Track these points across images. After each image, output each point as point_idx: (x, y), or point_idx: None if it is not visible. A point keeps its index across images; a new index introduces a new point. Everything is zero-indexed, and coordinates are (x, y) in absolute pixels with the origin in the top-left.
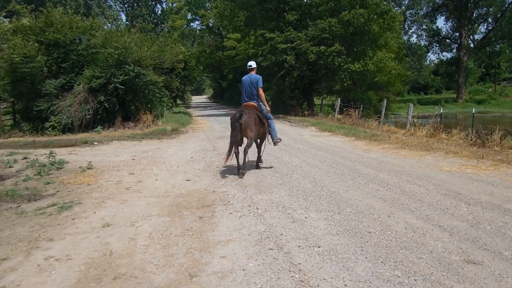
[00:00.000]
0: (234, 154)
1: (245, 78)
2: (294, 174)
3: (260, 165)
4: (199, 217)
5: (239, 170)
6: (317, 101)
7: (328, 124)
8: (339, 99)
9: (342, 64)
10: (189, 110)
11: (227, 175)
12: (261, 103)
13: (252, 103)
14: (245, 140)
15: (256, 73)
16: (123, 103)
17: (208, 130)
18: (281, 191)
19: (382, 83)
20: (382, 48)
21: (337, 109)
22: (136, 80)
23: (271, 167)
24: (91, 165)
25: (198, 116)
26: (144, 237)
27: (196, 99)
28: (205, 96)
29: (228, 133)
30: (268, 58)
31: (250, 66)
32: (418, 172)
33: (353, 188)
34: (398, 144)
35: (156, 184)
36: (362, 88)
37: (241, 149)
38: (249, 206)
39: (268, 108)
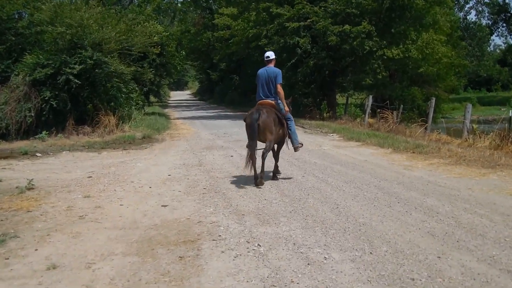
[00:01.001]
0: (251, 161)
1: (261, 71)
2: (310, 199)
3: (278, 177)
4: (179, 257)
5: (256, 179)
6: (340, 99)
7: (355, 131)
8: (370, 97)
9: (375, 49)
10: (166, 110)
11: (217, 199)
12: (279, 102)
13: (269, 100)
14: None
15: (274, 65)
16: (77, 101)
17: (192, 138)
18: (291, 221)
19: (429, 75)
20: (429, 29)
21: (368, 110)
22: (96, 70)
23: (279, 189)
24: (33, 184)
25: (178, 118)
26: (104, 283)
27: (176, 95)
28: (188, 92)
29: (220, 141)
30: (275, 41)
31: (268, 57)
32: (479, 197)
33: (390, 218)
34: (451, 159)
35: (120, 211)
36: (402, 83)
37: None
38: (248, 242)
39: (287, 108)
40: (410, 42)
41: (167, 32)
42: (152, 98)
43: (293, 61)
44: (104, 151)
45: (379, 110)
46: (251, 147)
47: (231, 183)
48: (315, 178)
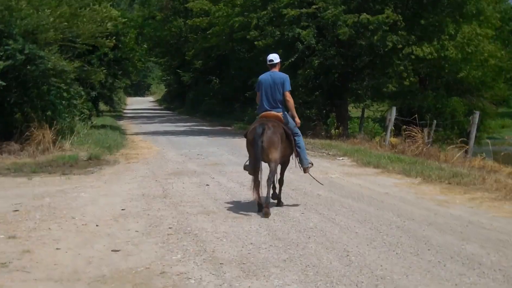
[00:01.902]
0: (253, 184)
1: (264, 77)
2: (311, 243)
3: (282, 204)
4: None
5: (260, 207)
6: (354, 111)
7: (373, 154)
8: (394, 109)
9: (400, 46)
10: (121, 122)
11: (187, 242)
12: (287, 113)
13: (274, 112)
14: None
15: (279, 70)
16: (1, 109)
17: (155, 159)
18: (285, 274)
19: (471, 82)
20: (471, 20)
21: (391, 126)
22: (28, 67)
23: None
24: None
25: (137, 134)
26: None
27: (134, 103)
28: (150, 99)
29: (192, 165)
30: (268, 33)
31: (272, 61)
32: None
33: (417, 270)
34: (500, 193)
35: (57, 257)
36: (435, 91)
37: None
38: None
39: (298, 121)
40: (447, 37)
41: (125, 18)
42: (102, 106)
43: (292, 60)
44: (36, 176)
45: (405, 126)
46: (255, 169)
47: (206, 221)
48: (318, 216)
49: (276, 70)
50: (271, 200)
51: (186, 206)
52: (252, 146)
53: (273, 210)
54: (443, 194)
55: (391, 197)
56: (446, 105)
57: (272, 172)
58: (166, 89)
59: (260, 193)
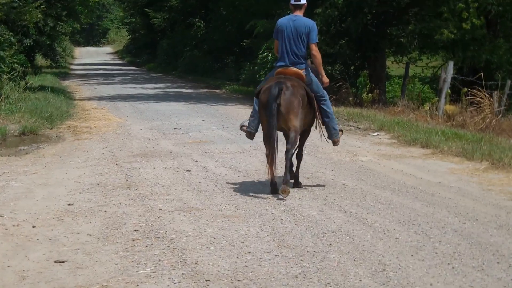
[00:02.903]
0: (267, 160)
1: (285, 22)
2: (333, 253)
3: (301, 185)
4: None
5: (274, 188)
6: (394, 68)
7: (421, 128)
8: (451, 64)
9: None
10: (67, 82)
11: (160, 250)
12: (310, 72)
13: (295, 69)
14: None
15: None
16: None
17: (115, 135)
18: None
19: None
20: None
21: (446, 89)
22: None
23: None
24: None
25: (90, 98)
26: None
27: (86, 55)
28: (108, 49)
29: (167, 143)
30: None
31: (298, 0)
32: None
33: None
34: None
35: None
36: (509, 40)
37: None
38: None
39: (326, 79)
40: None
41: None
42: (40, 60)
43: None
44: None
45: (466, 89)
46: (269, 140)
47: (186, 221)
48: (343, 215)
49: (300, 14)
50: (289, 180)
51: (158, 201)
52: (265, 110)
53: (281, 206)
54: None
55: (446, 188)
56: None
57: (292, 143)
58: (130, 37)
59: (274, 170)
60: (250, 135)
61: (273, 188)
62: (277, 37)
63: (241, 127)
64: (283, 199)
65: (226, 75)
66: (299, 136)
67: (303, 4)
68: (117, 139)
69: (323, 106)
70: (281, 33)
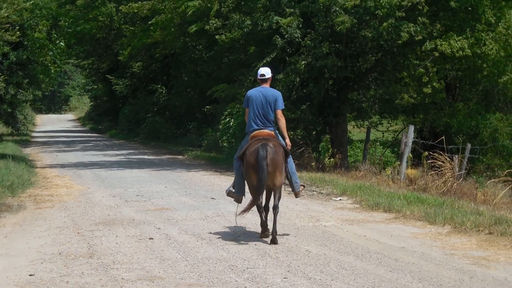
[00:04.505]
0: (257, 209)
1: (254, 93)
2: None
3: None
4: None
5: (264, 233)
6: (356, 132)
7: (384, 193)
8: (411, 128)
9: (420, 38)
10: (28, 150)
11: None
12: (277, 133)
13: (267, 130)
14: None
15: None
16: None
17: (77, 203)
18: None
19: None
20: None
21: (408, 153)
22: None
23: None
24: None
25: (52, 166)
26: None
27: (48, 122)
28: (70, 116)
29: (129, 210)
30: (235, 23)
31: (263, 75)
32: None
33: None
34: None
35: None
36: (469, 103)
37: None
38: None
39: (289, 142)
40: (485, 27)
41: (32, 2)
42: (0, 128)
43: (268, 59)
44: None
45: (427, 153)
46: (258, 195)
47: None
48: (307, 281)
49: (267, 85)
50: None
51: (121, 270)
52: (254, 170)
53: (244, 274)
54: (482, 248)
55: (409, 253)
56: (484, 124)
57: (279, 198)
58: (91, 103)
59: (263, 217)
60: (239, 200)
61: (264, 233)
62: (247, 106)
63: (228, 193)
64: (247, 267)
65: (188, 141)
66: (281, 190)
67: (269, 78)
68: (79, 207)
69: (288, 162)
70: (252, 102)
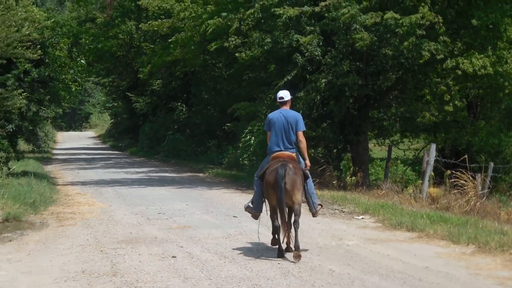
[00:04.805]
0: (273, 229)
1: (275, 116)
2: None
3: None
4: None
5: (280, 252)
6: (377, 151)
7: (406, 212)
8: (433, 146)
9: (441, 57)
10: (49, 167)
11: None
12: (298, 155)
13: (288, 152)
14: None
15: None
16: None
17: (100, 221)
18: None
19: None
20: None
21: (429, 172)
22: None
23: None
24: None
25: (73, 183)
26: None
27: (68, 139)
28: (90, 134)
29: (152, 228)
30: (255, 42)
31: (282, 98)
32: None
33: None
34: None
35: None
36: (491, 121)
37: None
38: None
39: (308, 163)
40: (506, 45)
41: (53, 19)
42: (22, 145)
43: (289, 77)
44: None
45: (449, 171)
46: (281, 213)
47: None
48: None
49: (287, 107)
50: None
51: None
52: (273, 189)
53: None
54: (507, 268)
55: (434, 273)
56: (506, 142)
57: (299, 214)
58: (112, 121)
59: (287, 236)
60: (256, 216)
61: (280, 252)
62: (269, 129)
63: (246, 208)
64: (271, 286)
65: (208, 158)
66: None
67: (288, 100)
68: (101, 225)
69: (307, 182)
70: (273, 125)
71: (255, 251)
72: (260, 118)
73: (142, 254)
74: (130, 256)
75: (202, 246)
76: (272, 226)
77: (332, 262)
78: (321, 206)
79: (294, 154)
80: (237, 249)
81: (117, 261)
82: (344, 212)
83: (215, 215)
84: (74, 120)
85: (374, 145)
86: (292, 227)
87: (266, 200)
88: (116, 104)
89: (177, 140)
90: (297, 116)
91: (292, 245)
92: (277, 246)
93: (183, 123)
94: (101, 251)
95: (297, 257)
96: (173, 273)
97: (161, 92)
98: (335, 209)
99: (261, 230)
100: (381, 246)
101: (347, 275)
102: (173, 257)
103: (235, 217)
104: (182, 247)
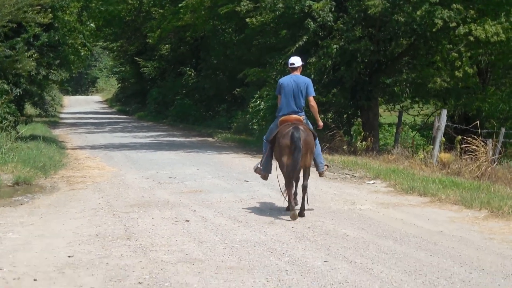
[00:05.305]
0: (287, 189)
1: (286, 81)
2: None
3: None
4: None
5: (292, 210)
6: (387, 116)
7: (417, 176)
8: (444, 112)
9: (453, 24)
10: (57, 131)
11: None
12: (306, 118)
13: (295, 115)
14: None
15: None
16: None
17: (111, 184)
18: None
19: None
20: None
21: (440, 137)
22: None
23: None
24: None
25: (81, 147)
26: None
27: (74, 104)
28: (97, 98)
29: (163, 192)
30: (267, 6)
31: (293, 64)
32: None
33: None
34: None
35: None
36: (502, 87)
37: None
38: None
39: (321, 123)
40: None
41: None
42: (29, 109)
43: (301, 43)
44: None
45: (460, 137)
46: (294, 173)
47: (190, 273)
48: (348, 265)
49: (297, 73)
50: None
51: (160, 252)
52: (289, 151)
53: (284, 257)
54: None
55: (448, 237)
56: None
57: (308, 178)
58: (119, 85)
59: (293, 194)
60: (265, 177)
61: (292, 210)
62: (279, 93)
63: (256, 170)
64: (286, 250)
65: (217, 123)
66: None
67: (299, 66)
68: (113, 189)
69: (316, 145)
70: (284, 89)
71: (268, 215)
72: (270, 83)
73: (155, 218)
74: (143, 219)
75: (215, 210)
76: (287, 187)
77: (345, 226)
78: (327, 166)
79: (302, 117)
80: (250, 213)
81: (131, 224)
82: (355, 176)
83: (226, 179)
84: (81, 85)
85: (384, 111)
86: (300, 190)
87: (277, 162)
88: (123, 68)
89: (186, 104)
90: (307, 81)
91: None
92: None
93: (192, 88)
94: (113, 214)
95: (301, 215)
96: (188, 236)
97: (170, 57)
98: (345, 174)
99: (272, 194)
100: (394, 211)
101: (361, 239)
102: (186, 221)
103: (246, 181)
104: (195, 211)
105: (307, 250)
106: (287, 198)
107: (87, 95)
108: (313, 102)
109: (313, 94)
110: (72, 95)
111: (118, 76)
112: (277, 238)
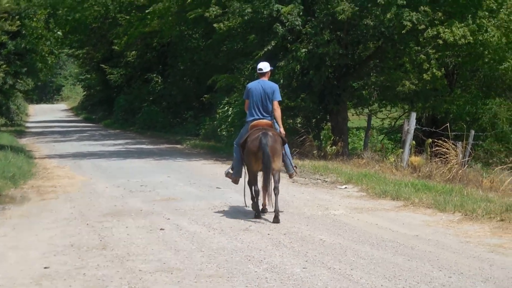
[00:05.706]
0: (254, 193)
1: (254, 86)
2: None
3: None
4: None
5: (259, 213)
6: (355, 120)
7: (389, 180)
8: (413, 115)
9: (421, 27)
10: (24, 141)
11: None
12: (275, 123)
13: (266, 120)
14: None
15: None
16: None
17: (82, 194)
18: None
19: None
20: None
21: (410, 140)
22: None
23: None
24: None
25: (50, 157)
26: None
27: (40, 112)
28: (63, 106)
29: (135, 200)
30: (235, 11)
31: (261, 69)
32: None
33: None
34: None
35: None
36: (469, 90)
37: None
38: None
39: (283, 131)
40: (486, 14)
41: None
42: None
43: (269, 47)
44: None
45: (430, 140)
46: (267, 177)
47: (170, 283)
48: (327, 271)
49: (265, 79)
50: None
51: (137, 261)
52: (256, 157)
53: (263, 264)
54: (496, 236)
55: (424, 241)
56: (483, 109)
57: (278, 181)
58: (85, 93)
59: (267, 200)
60: (235, 180)
61: (258, 213)
62: (247, 97)
63: (226, 174)
64: (264, 257)
65: (185, 130)
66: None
67: (266, 72)
68: (84, 198)
69: (285, 149)
70: (251, 94)
71: (243, 222)
72: (239, 89)
73: (130, 227)
74: (117, 229)
75: (189, 218)
76: (253, 192)
77: (321, 232)
78: (296, 167)
79: (271, 122)
80: (225, 220)
81: (105, 234)
82: (326, 181)
83: (198, 187)
84: (45, 93)
85: (353, 115)
86: (273, 193)
87: (245, 166)
88: (89, 76)
89: (153, 111)
90: (274, 86)
91: (268, 207)
92: (259, 208)
93: (159, 95)
94: (87, 224)
95: (277, 220)
96: (164, 245)
97: (136, 64)
98: (317, 179)
99: (242, 199)
100: (368, 215)
101: (338, 245)
102: (161, 229)
103: (219, 188)
104: (169, 219)
105: (285, 257)
106: (250, 205)
107: (52, 103)
108: (277, 107)
109: (279, 99)
110: (37, 103)
111: (84, 84)
112: (254, 245)
